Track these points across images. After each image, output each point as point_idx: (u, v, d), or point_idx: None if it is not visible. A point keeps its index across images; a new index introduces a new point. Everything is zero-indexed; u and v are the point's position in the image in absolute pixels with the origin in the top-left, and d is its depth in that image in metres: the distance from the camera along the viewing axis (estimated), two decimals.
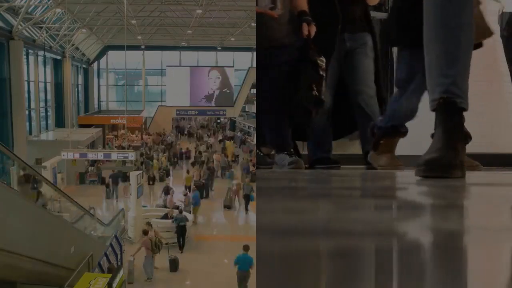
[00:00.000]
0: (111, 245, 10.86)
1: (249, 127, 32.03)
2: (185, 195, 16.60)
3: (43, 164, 18.27)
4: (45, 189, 9.60)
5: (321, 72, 4.86)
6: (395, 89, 4.55)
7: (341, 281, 1.04)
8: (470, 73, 3.11)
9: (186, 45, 35.54)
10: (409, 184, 3.43)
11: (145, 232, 11.67)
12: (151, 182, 19.56)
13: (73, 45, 29.55)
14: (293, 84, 4.94)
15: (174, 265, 11.82)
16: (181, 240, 13.27)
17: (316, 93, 4.85)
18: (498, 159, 4.79)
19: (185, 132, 37.84)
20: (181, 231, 13.26)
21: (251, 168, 20.78)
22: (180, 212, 13.77)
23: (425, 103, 4.51)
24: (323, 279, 1.06)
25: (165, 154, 25.87)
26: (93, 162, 21.92)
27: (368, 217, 1.90)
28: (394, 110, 4.48)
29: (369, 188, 3.16)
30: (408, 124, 4.64)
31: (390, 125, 4.49)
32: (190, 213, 15.33)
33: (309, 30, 4.96)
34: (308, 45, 4.91)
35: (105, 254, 10.09)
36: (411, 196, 2.75)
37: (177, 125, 39.07)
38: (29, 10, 22.66)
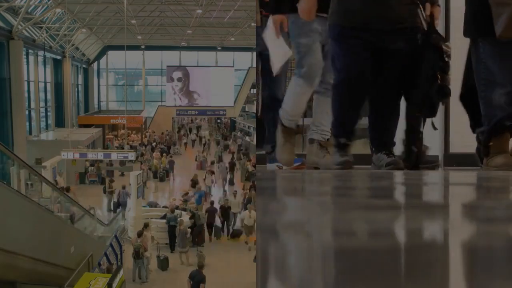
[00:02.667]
0: (111, 245, 10.87)
1: (249, 127, 32.03)
2: (186, 194, 16.63)
3: (43, 164, 18.27)
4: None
5: (446, 59, 4.35)
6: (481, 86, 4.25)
7: (341, 280, 1.04)
8: None
9: (186, 45, 35.55)
10: (408, 184, 3.43)
11: (139, 234, 11.65)
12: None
13: (73, 45, 29.55)
14: (414, 74, 4.39)
15: (164, 264, 11.97)
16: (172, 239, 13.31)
17: (441, 82, 4.34)
18: None
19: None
20: (172, 231, 13.30)
21: (251, 169, 20.77)
22: (172, 212, 13.78)
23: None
24: (323, 279, 1.06)
25: (165, 154, 25.88)
26: (93, 162, 21.93)
27: (368, 217, 1.90)
28: (491, 105, 4.14)
29: (368, 189, 3.16)
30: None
31: (493, 123, 4.16)
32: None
33: (433, 11, 4.45)
34: (431, 28, 4.40)
35: (105, 254, 10.10)
36: (409, 196, 2.75)
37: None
38: (29, 10, 22.67)
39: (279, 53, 4.80)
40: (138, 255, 11.08)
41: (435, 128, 4.55)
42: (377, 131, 4.51)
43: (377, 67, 4.35)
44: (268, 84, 5.14)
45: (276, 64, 4.83)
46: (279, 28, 4.71)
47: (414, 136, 4.57)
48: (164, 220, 13.76)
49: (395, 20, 4.29)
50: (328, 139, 4.85)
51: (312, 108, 5.04)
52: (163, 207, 16.01)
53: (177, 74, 34.69)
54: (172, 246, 13.27)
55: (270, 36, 4.78)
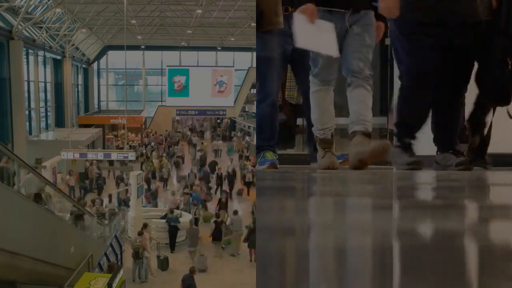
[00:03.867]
0: (111, 245, 10.87)
1: (249, 127, 32.02)
2: (186, 193, 16.62)
3: (43, 164, 18.26)
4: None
5: None
6: None
7: (341, 280, 1.04)
8: None
9: (186, 45, 35.54)
10: (405, 185, 3.44)
11: (139, 234, 11.63)
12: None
13: (73, 45, 29.55)
14: (484, 62, 4.18)
15: (164, 264, 11.97)
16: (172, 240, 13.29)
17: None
18: (504, 159, 4.78)
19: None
20: (172, 232, 13.24)
21: (250, 168, 20.76)
22: (172, 212, 13.78)
23: None
24: (323, 279, 1.06)
25: (165, 154, 25.88)
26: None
27: (366, 217, 1.91)
28: None
29: (368, 189, 3.16)
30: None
31: None
32: (189, 212, 15.37)
33: None
34: (500, 15, 4.19)
35: (105, 254, 10.09)
36: (404, 196, 2.76)
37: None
38: (29, 10, 22.66)
39: (321, 41, 4.51)
40: (137, 255, 11.07)
41: (511, 117, 4.34)
42: (442, 130, 4.37)
43: (446, 64, 4.21)
44: (301, 83, 4.93)
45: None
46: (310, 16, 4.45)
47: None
48: (164, 220, 13.76)
49: (466, 15, 4.14)
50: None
51: (348, 101, 4.78)
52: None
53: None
54: (172, 247, 13.25)
55: (302, 27, 4.46)
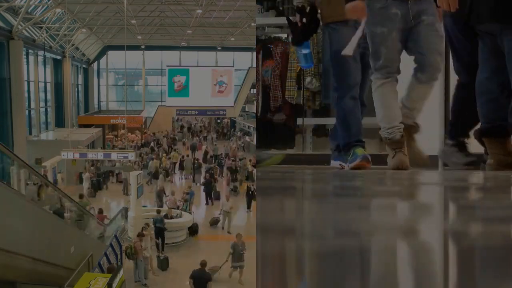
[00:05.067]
0: (111, 245, 10.86)
1: (249, 127, 32.03)
2: (187, 193, 16.68)
3: (43, 164, 18.27)
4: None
5: None
6: None
7: (341, 280, 1.04)
8: None
9: (186, 45, 35.55)
10: (398, 185, 3.44)
11: (138, 235, 11.41)
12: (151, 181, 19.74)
13: (73, 45, 29.55)
14: None
15: (164, 263, 11.93)
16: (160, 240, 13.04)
17: None
18: None
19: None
20: (158, 232, 12.93)
21: (250, 169, 20.76)
22: (158, 212, 13.72)
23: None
24: (323, 279, 1.06)
25: (164, 154, 25.86)
26: (93, 162, 21.90)
27: (366, 217, 1.90)
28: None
29: (367, 189, 3.16)
30: None
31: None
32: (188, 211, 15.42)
33: None
34: None
35: (105, 254, 10.09)
36: (396, 196, 2.75)
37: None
38: (29, 10, 22.66)
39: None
40: (126, 255, 10.94)
41: None
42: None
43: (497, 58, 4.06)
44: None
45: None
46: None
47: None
48: (167, 220, 13.74)
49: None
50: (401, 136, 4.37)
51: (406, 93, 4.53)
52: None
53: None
54: (158, 247, 12.80)
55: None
